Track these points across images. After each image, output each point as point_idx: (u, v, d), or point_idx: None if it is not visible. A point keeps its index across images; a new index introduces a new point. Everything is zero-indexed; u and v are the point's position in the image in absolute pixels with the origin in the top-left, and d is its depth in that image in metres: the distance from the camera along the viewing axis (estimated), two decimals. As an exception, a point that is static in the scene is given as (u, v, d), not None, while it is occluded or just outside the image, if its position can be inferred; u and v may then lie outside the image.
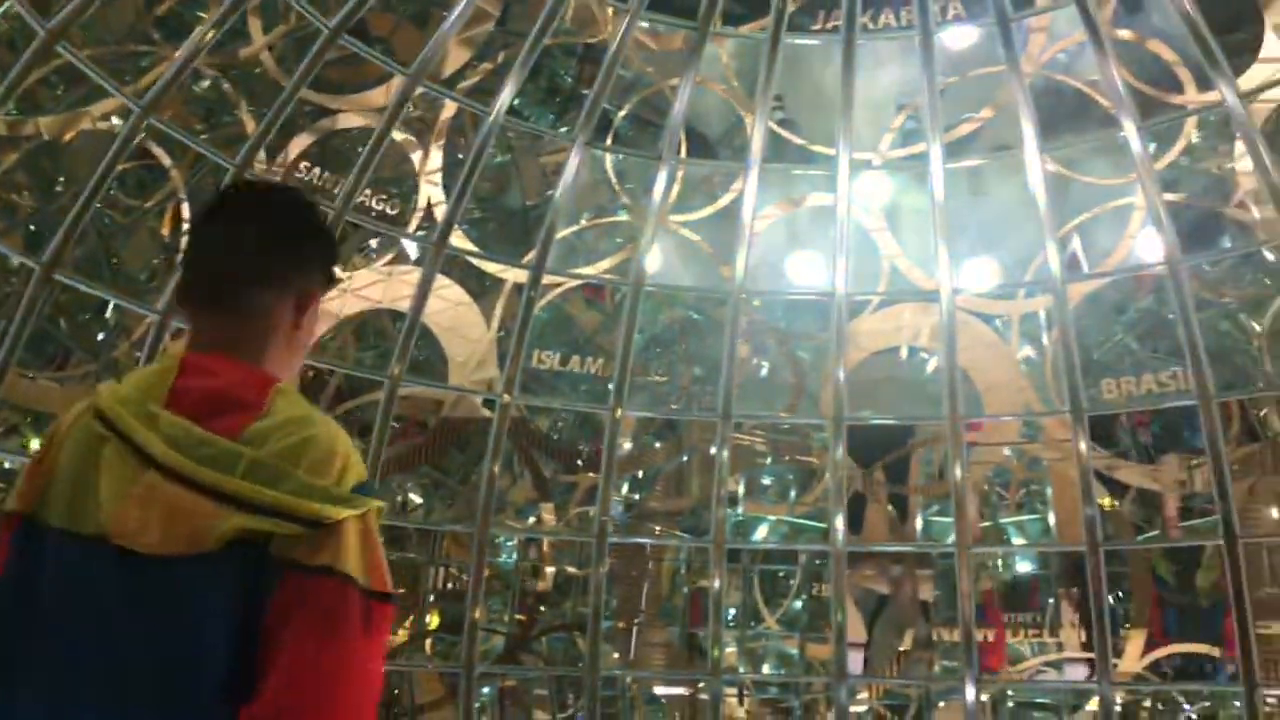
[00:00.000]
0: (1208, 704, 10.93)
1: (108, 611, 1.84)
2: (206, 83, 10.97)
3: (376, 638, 1.91)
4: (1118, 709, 8.75)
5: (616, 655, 12.14)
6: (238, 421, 1.92)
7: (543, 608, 12.33)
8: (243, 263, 2.10)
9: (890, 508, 12.03)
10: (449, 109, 10.34)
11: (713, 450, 11.46)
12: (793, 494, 13.70)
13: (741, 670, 12.32)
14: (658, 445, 13.38)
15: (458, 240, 9.70)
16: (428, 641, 12.53)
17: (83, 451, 1.94)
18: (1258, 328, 9.26)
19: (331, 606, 1.85)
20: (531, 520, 12.36)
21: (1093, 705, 10.04)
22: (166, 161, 9.99)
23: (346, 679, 1.84)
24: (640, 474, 13.53)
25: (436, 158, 10.11)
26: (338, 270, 2.38)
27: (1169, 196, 9.22)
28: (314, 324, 2.21)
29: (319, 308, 2.18)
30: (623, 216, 11.08)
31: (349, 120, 10.13)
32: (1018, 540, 13.06)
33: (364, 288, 9.70)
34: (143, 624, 1.82)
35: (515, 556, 12.83)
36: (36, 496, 1.96)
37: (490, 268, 10.48)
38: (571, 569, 12.09)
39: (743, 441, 12.26)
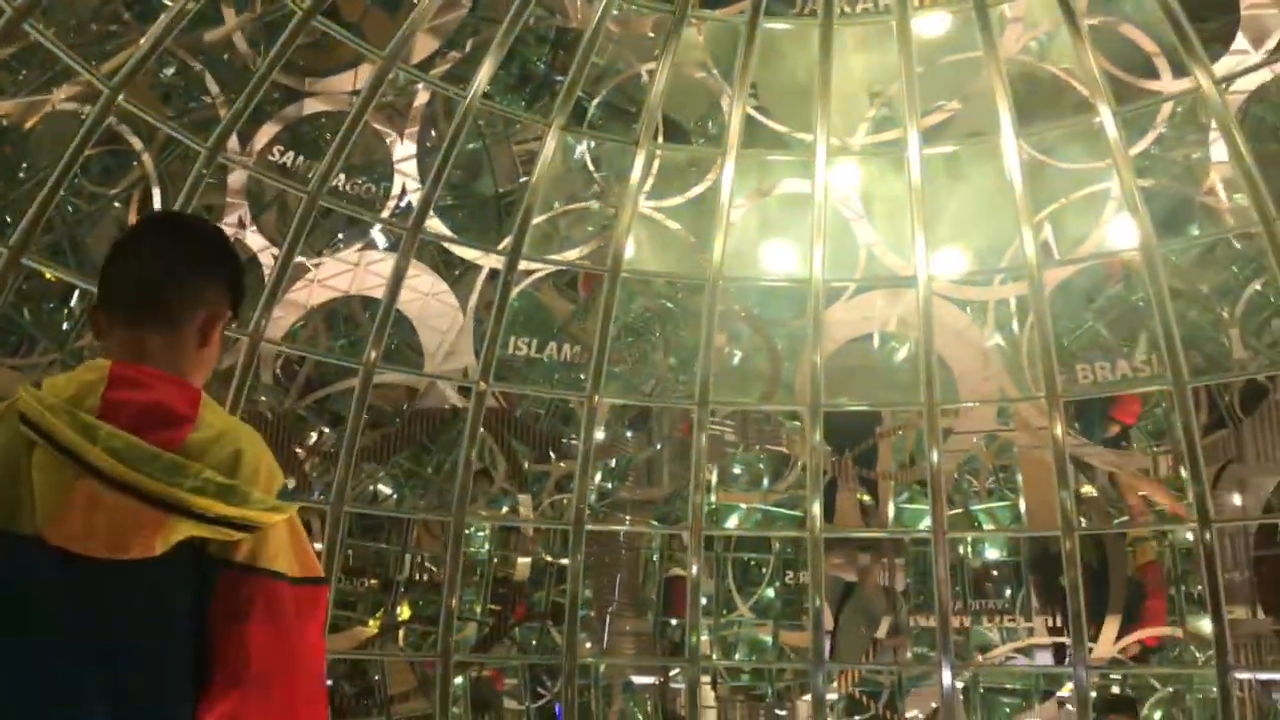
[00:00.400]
0: (1178, 688, 11.02)
1: (52, 611, 1.91)
2: (174, 68, 10.81)
3: (311, 618, 2.12)
4: (1092, 694, 8.82)
5: (589, 644, 12.11)
6: (175, 435, 2.03)
7: (519, 597, 12.28)
8: (171, 277, 2.22)
9: (863, 495, 12.07)
10: (422, 95, 10.25)
11: (687, 439, 11.46)
12: (765, 482, 13.69)
13: (715, 658, 12.33)
14: (630, 435, 13.35)
15: (431, 226, 9.61)
16: (400, 632, 12.44)
17: (11, 454, 1.99)
18: (1228, 315, 9.34)
19: (267, 599, 2.05)
20: (506, 510, 12.31)
21: (1066, 690, 10.12)
22: (137, 145, 9.82)
23: (288, 660, 2.04)
24: (613, 463, 13.48)
25: (410, 144, 10.02)
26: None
27: (1143, 182, 9.30)
28: (218, 348, 2.34)
29: (222, 335, 2.32)
30: (597, 205, 11.03)
31: (320, 105, 10.01)
32: (989, 528, 13.15)
33: (332, 278, 9.58)
34: (90, 623, 1.91)
35: (488, 546, 12.76)
36: None
37: (464, 254, 10.40)
38: (547, 558, 12.04)
39: (714, 431, 12.24)
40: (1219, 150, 9.28)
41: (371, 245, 10.37)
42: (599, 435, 11.64)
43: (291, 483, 9.50)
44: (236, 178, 9.88)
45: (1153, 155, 10.02)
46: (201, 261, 2.30)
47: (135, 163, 10.87)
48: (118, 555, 1.94)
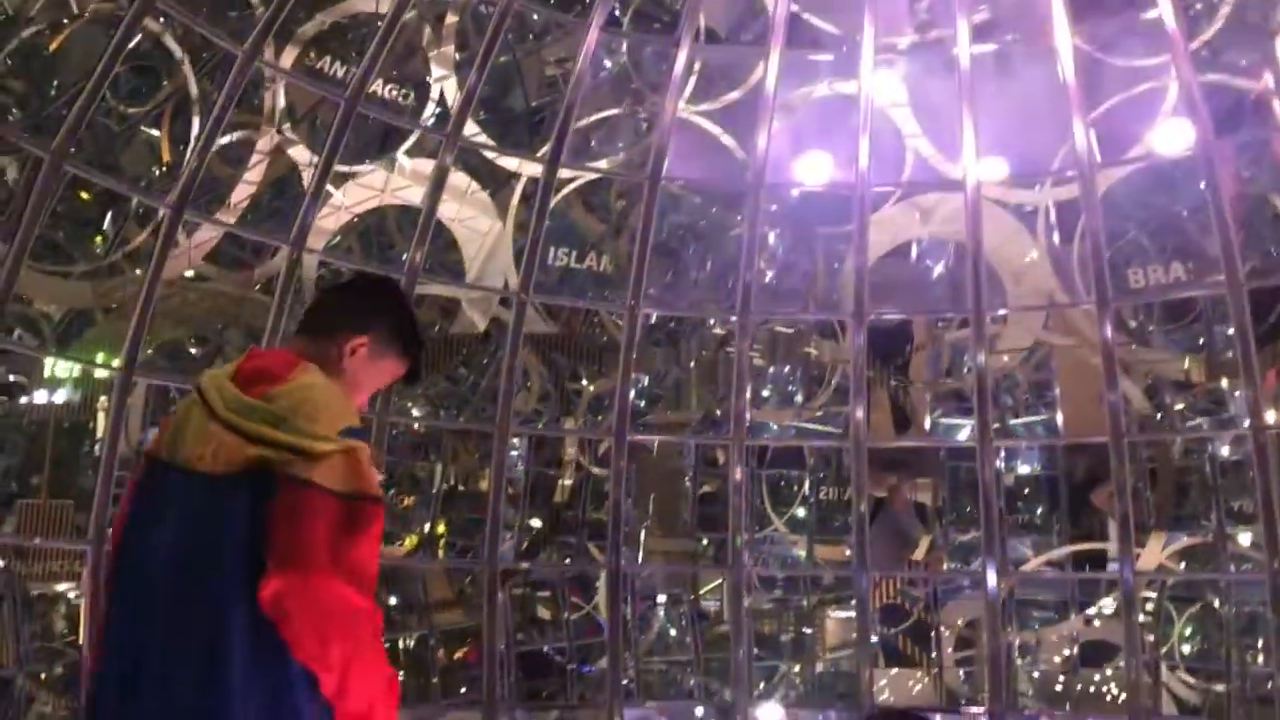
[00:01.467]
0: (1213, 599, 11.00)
1: (178, 504, 2.91)
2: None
3: (363, 530, 2.82)
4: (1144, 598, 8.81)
5: (623, 563, 12.16)
6: (267, 388, 2.96)
7: (557, 515, 12.36)
8: (324, 302, 3.56)
9: (900, 407, 12.00)
10: (455, 14, 10.08)
11: (717, 359, 11.41)
12: (799, 399, 13.66)
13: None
14: (660, 353, 13.27)
15: (470, 133, 9.49)
16: (439, 546, 12.57)
17: (183, 412, 3.06)
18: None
19: (313, 506, 2.77)
20: (542, 426, 12.32)
21: (1107, 602, 10.11)
22: (176, 52, 9.71)
23: (329, 556, 2.73)
24: (645, 383, 13.43)
25: (449, 48, 9.87)
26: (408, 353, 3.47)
27: (1202, 78, 9.07)
28: (362, 369, 3.25)
29: (372, 362, 3.24)
30: (635, 111, 10.85)
31: (357, 6, 9.85)
32: (1024, 439, 13.12)
33: (364, 175, 9.50)
34: (195, 515, 2.86)
35: (523, 467, 12.81)
36: (160, 443, 3.09)
37: (502, 164, 10.27)
38: (589, 468, 12.07)
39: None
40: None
41: (415, 151, 10.24)
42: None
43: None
44: (270, 99, 9.77)
45: (1210, 50, 9.75)
46: (350, 294, 3.52)
47: (165, 81, 10.77)
48: (216, 470, 2.87)
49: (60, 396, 12.90)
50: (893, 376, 11.88)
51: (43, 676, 9.96)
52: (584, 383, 12.11)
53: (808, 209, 11.52)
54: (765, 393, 14.12)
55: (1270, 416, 11.99)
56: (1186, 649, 11.28)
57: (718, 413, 11.52)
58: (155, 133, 11.56)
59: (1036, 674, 11.71)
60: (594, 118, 10.45)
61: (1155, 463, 11.56)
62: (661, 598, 12.32)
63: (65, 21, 10.51)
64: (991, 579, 8.66)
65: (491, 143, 9.72)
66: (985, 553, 8.80)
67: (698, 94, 10.41)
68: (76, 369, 11.61)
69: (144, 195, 8.48)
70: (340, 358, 3.28)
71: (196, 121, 8.95)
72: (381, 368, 3.35)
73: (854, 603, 9.72)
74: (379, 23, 9.16)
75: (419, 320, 3.69)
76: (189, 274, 10.66)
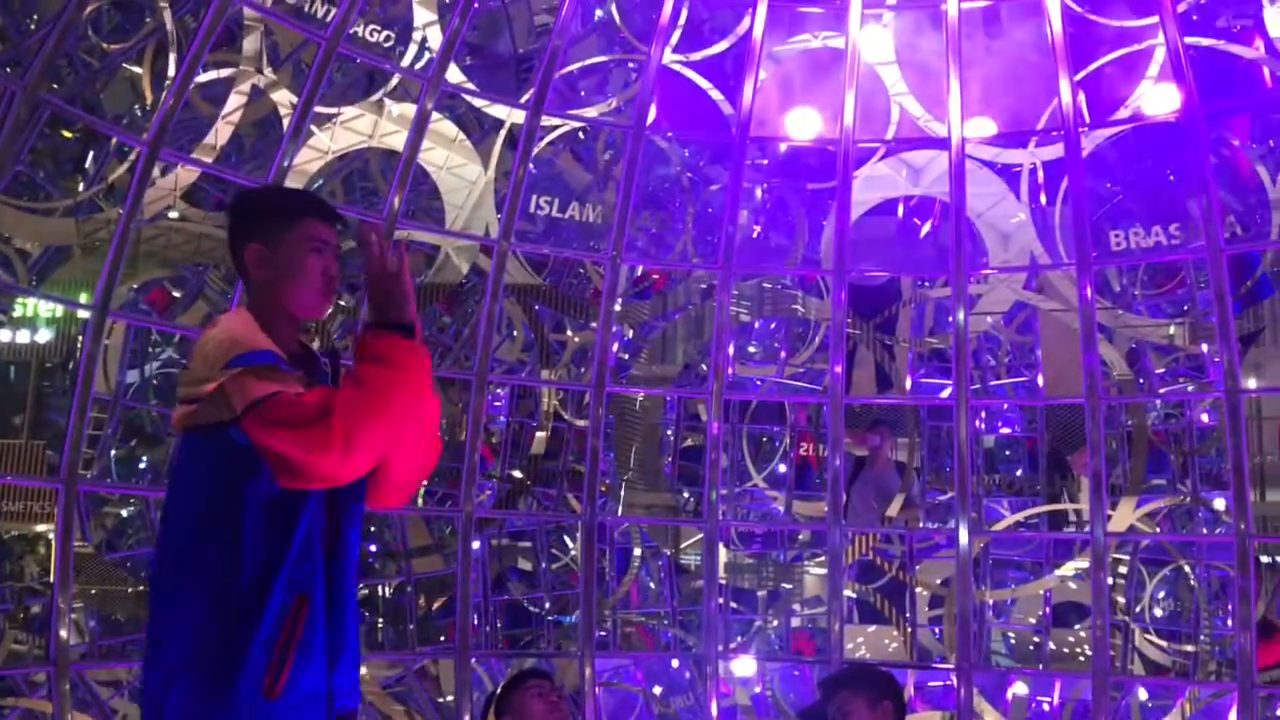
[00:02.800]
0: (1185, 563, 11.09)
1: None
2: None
3: (270, 440, 3.18)
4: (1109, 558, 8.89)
5: (605, 511, 12.21)
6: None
7: (536, 466, 12.36)
8: (229, 244, 3.62)
9: (883, 362, 12.00)
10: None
11: (701, 312, 11.37)
12: (782, 355, 13.64)
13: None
14: (647, 306, 13.24)
15: (453, 77, 9.38)
16: (418, 495, 12.57)
17: None
18: (1269, 179, 9.14)
19: (216, 449, 3.23)
20: (524, 376, 12.29)
21: (1081, 561, 10.18)
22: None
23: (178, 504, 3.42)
24: (629, 336, 13.40)
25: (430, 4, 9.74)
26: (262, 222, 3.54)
27: (1190, 41, 9.02)
28: (275, 268, 3.42)
29: (278, 252, 3.39)
30: (623, 57, 10.74)
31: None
32: (1004, 403, 13.16)
33: (351, 120, 9.41)
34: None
35: (505, 417, 12.80)
36: None
37: (486, 111, 10.17)
38: (566, 419, 12.08)
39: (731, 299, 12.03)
40: (1272, 12, 8.98)
41: (396, 95, 10.12)
42: (616, 307, 11.54)
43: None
44: (252, 41, 9.63)
45: (1198, 10, 9.70)
46: (229, 219, 3.63)
47: (148, 18, 10.61)
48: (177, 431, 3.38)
49: (43, 337, 12.85)
50: (877, 335, 11.86)
51: (21, 616, 10.02)
52: (569, 333, 12.08)
53: (793, 163, 11.47)
54: (751, 349, 14.15)
55: (1250, 382, 12.07)
56: (1158, 611, 11.40)
57: (703, 366, 11.51)
58: (138, 70, 11.42)
59: (1011, 633, 11.83)
60: (579, 65, 10.33)
61: (1133, 427, 11.60)
62: (638, 551, 12.40)
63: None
64: (963, 536, 8.72)
65: (475, 88, 9.60)
66: (958, 510, 8.85)
67: (684, 44, 10.31)
68: (59, 308, 11.55)
69: (120, 132, 8.35)
70: (249, 275, 3.46)
71: (174, 60, 8.79)
72: (293, 251, 3.41)
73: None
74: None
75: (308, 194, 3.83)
76: (173, 215, 10.59)
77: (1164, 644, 10.67)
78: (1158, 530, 10.76)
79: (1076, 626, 11.37)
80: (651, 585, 12.79)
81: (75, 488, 6.94)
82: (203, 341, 3.39)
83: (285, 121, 9.31)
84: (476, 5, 9.16)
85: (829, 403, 9.57)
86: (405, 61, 9.25)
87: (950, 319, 9.89)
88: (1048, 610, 10.79)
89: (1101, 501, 8.65)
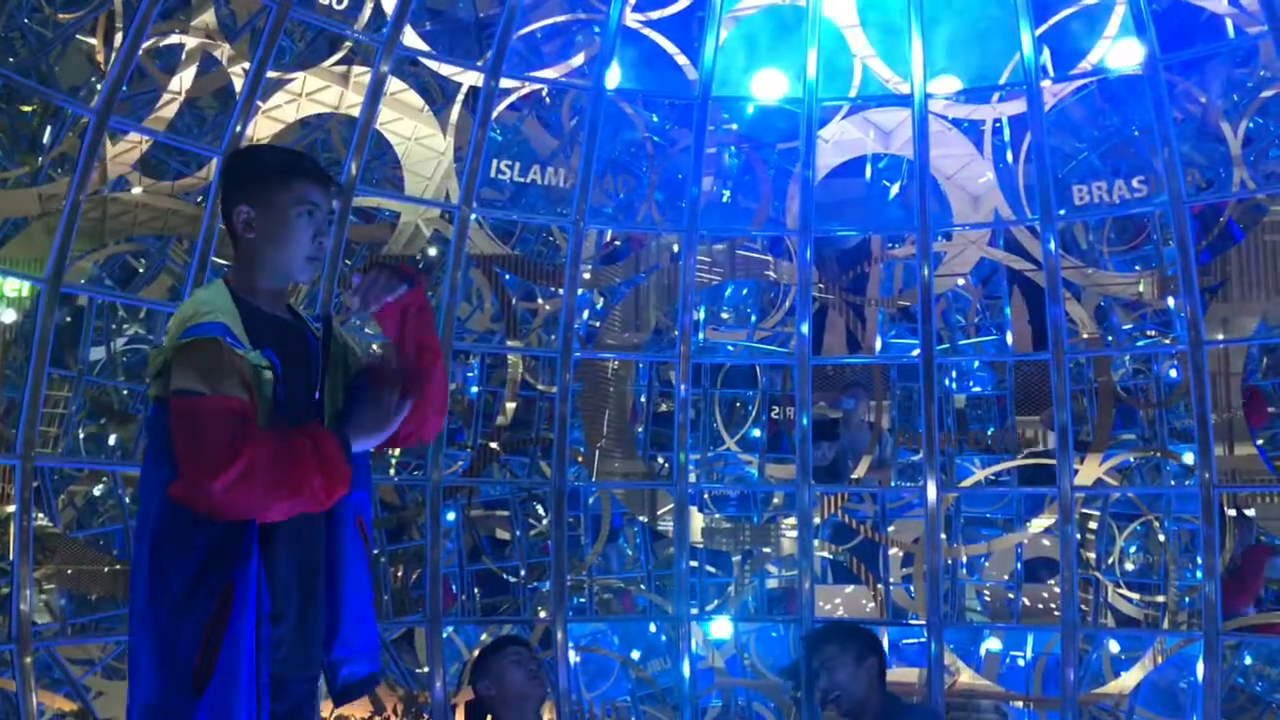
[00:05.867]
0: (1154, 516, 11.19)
1: None
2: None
3: (175, 432, 3.30)
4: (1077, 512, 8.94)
5: (578, 479, 12.22)
6: None
7: (506, 431, 12.32)
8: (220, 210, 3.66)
9: (851, 323, 12.01)
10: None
11: (671, 277, 11.31)
12: (753, 318, 13.66)
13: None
14: (620, 269, 13.17)
15: (410, 40, 9.25)
16: (390, 465, 12.55)
17: None
18: (1231, 134, 9.14)
19: (171, 417, 3.30)
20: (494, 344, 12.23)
21: (1047, 517, 10.23)
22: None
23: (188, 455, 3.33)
24: (599, 304, 13.36)
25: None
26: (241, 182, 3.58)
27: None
28: (264, 229, 3.47)
29: (268, 214, 3.42)
30: (582, 15, 10.61)
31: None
32: (975, 363, 13.21)
33: (317, 92, 9.27)
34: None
35: (476, 388, 12.75)
36: None
37: (444, 73, 10.03)
38: (537, 386, 12.04)
39: (701, 267, 12.03)
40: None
41: (355, 59, 9.98)
42: (585, 275, 11.49)
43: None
44: (207, 16, 9.46)
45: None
46: (220, 181, 4.17)
47: (98, -16, 10.41)
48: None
49: (8, 316, 12.65)
50: (845, 295, 11.86)
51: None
52: (539, 301, 12.02)
53: (757, 123, 11.40)
54: (724, 315, 14.13)
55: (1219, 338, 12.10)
56: (1128, 565, 11.51)
57: (675, 332, 11.47)
58: (92, 41, 11.22)
59: (985, 590, 11.93)
60: (539, 25, 10.20)
61: (1099, 385, 11.66)
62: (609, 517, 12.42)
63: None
64: (931, 493, 8.75)
65: (430, 50, 9.46)
66: (925, 468, 8.88)
67: (644, 2, 10.20)
68: (24, 286, 11.39)
69: (69, 101, 8.20)
70: (238, 238, 3.48)
71: (120, 26, 8.63)
72: (282, 213, 3.48)
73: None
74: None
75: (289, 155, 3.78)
76: (136, 190, 10.44)
77: (1134, 597, 10.77)
78: (1124, 483, 10.85)
79: (1050, 581, 11.47)
80: (629, 552, 12.83)
81: (31, 462, 6.83)
82: (176, 313, 3.51)
83: (239, 84, 9.16)
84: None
85: (796, 364, 9.55)
86: (360, 24, 9.10)
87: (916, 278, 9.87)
88: (1019, 566, 10.87)
89: (1067, 456, 8.68)
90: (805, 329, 9.60)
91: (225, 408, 3.15)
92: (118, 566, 8.64)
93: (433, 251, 11.94)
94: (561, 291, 9.91)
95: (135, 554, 3.42)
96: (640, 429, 12.71)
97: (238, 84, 9.04)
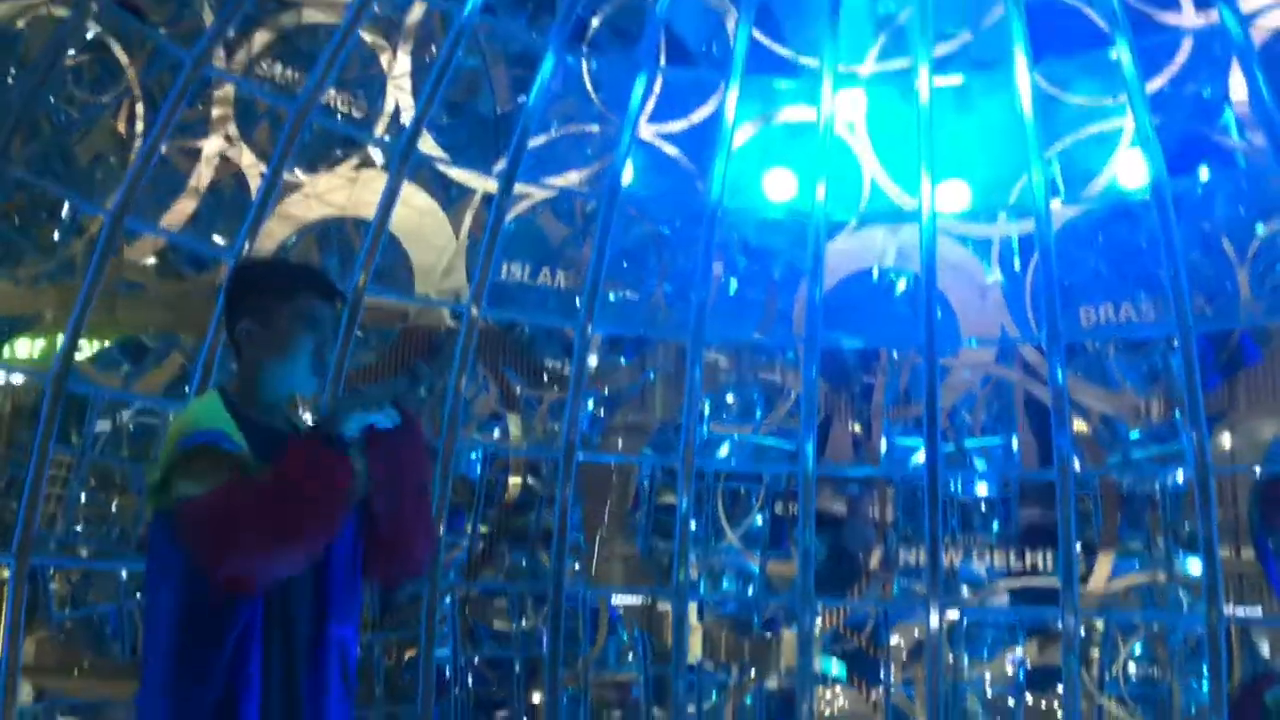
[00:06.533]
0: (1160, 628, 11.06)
1: None
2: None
3: (181, 534, 3.13)
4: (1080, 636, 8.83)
5: (577, 566, 12.13)
6: None
7: (509, 520, 12.25)
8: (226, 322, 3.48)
9: (855, 429, 11.99)
10: (417, 10, 9.93)
11: (681, 368, 11.30)
12: (758, 413, 13.61)
13: (702, 586, 12.37)
14: (623, 362, 13.21)
15: (426, 147, 9.35)
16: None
17: None
18: (1237, 258, 9.17)
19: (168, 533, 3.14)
20: (497, 434, 12.22)
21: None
22: (123, 59, 9.52)
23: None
24: (605, 390, 13.37)
25: (405, 61, 9.72)
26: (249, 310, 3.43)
27: (1157, 119, 9.06)
28: (266, 342, 3.32)
29: (270, 328, 3.29)
30: (596, 128, 10.74)
31: (313, 16, 9.69)
32: (980, 463, 13.11)
33: (328, 193, 9.36)
34: None
35: (480, 469, 12.70)
36: None
37: (459, 176, 10.14)
38: (536, 483, 11.99)
39: (708, 359, 12.10)
40: (1237, 88, 9.03)
41: (370, 161, 10.10)
42: (593, 361, 11.51)
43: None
44: (225, 93, 9.60)
45: (1166, 91, 9.76)
46: (224, 295, 3.49)
47: (122, 75, 10.58)
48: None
49: (17, 378, 12.71)
50: (853, 398, 11.86)
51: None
52: (545, 380, 12.02)
53: (770, 229, 11.47)
54: (730, 398, 14.08)
55: (1225, 441, 12.06)
56: (1131, 674, 11.36)
57: (680, 421, 11.43)
58: (116, 122, 11.39)
59: (988, 693, 11.76)
60: (555, 134, 10.33)
61: (1104, 490, 11.60)
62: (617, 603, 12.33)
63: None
64: (934, 620, 8.64)
65: (446, 155, 9.57)
66: (929, 593, 8.77)
67: (659, 114, 10.32)
68: (36, 350, 11.44)
69: (84, 201, 8.29)
70: (241, 351, 3.39)
71: (140, 128, 8.76)
72: (285, 327, 3.35)
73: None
74: (337, 29, 9.00)
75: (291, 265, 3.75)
76: (150, 260, 10.52)
77: (1137, 709, 10.63)
78: (1129, 599, 10.75)
79: (1051, 690, 11.32)
80: (630, 657, 12.68)
81: (27, 562, 6.81)
82: (170, 428, 3.38)
83: (254, 183, 9.27)
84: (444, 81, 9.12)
85: (800, 480, 9.49)
86: (378, 130, 9.22)
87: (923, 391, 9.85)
88: (1021, 674, 10.74)
89: (1072, 591, 8.57)
90: (810, 447, 9.52)
91: (226, 492, 3.17)
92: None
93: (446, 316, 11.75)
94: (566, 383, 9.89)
95: (145, 674, 3.37)
96: (641, 517, 12.64)
97: (250, 182, 9.15)
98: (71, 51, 9.42)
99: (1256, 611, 10.99)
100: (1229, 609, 9.07)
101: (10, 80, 11.68)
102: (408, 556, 3.61)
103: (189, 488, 3.13)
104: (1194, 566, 10.96)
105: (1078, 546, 9.67)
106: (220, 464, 3.18)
